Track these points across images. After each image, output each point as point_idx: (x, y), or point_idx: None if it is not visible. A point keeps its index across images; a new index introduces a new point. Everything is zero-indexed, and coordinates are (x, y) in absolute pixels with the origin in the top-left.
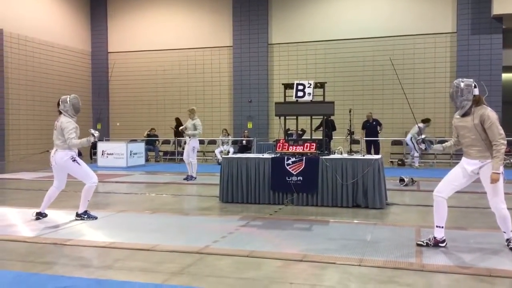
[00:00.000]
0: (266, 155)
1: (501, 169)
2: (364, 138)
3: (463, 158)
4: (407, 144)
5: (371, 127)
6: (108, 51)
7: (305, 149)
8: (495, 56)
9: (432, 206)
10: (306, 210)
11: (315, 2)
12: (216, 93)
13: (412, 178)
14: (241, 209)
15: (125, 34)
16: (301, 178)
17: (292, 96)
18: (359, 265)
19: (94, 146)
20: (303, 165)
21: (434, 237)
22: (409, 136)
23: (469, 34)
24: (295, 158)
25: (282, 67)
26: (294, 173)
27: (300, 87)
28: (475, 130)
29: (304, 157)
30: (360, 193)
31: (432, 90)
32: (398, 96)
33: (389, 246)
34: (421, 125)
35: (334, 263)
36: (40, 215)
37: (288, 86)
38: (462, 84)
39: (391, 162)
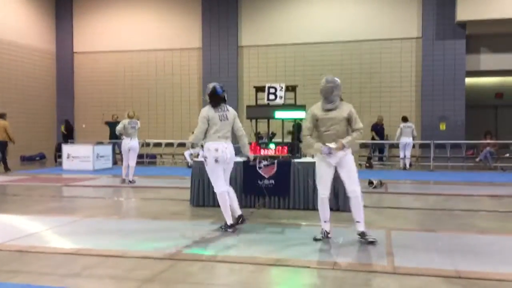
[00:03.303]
0: (237, 158)
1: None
2: (376, 141)
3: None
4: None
5: (381, 130)
6: (74, 51)
7: (277, 153)
8: (459, 61)
9: (401, 208)
10: (278, 213)
11: (285, 5)
12: (185, 95)
13: (380, 181)
14: (212, 213)
15: (91, 34)
16: (273, 182)
17: (264, 99)
18: (333, 269)
19: (59, 148)
20: (275, 168)
21: (326, 231)
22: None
23: (434, 39)
24: (267, 162)
25: (252, 70)
26: (266, 176)
27: (272, 90)
28: (344, 123)
29: (276, 161)
30: (331, 196)
31: (398, 94)
32: (366, 100)
33: (361, 248)
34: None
35: (308, 267)
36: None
37: (259, 89)
38: (338, 81)
39: (360, 165)
